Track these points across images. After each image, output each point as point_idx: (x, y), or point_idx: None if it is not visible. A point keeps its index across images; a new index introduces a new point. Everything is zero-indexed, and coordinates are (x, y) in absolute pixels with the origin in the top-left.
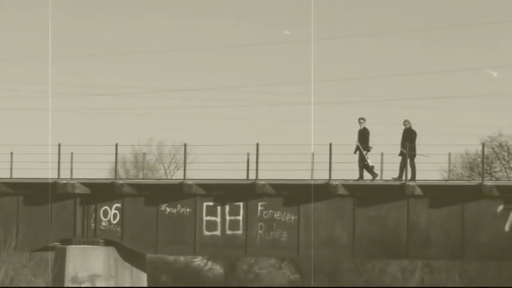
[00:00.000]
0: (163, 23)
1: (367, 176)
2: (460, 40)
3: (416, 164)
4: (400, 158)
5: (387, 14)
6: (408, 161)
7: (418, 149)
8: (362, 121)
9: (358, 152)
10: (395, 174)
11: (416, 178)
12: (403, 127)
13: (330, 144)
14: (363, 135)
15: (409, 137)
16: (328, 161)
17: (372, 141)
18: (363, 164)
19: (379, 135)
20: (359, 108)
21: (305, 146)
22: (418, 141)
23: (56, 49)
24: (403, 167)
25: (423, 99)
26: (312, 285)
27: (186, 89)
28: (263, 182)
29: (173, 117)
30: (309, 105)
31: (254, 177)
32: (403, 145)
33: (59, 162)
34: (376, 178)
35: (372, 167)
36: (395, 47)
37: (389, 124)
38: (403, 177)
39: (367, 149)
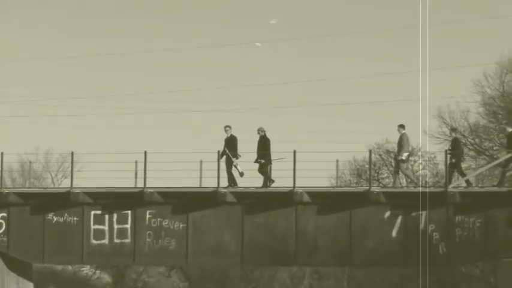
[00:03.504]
0: (48, 30)
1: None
2: (350, 48)
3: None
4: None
5: (262, 23)
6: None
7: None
8: (228, 128)
9: (225, 159)
10: (284, 182)
11: (305, 185)
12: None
13: (218, 152)
14: (231, 143)
15: (262, 144)
16: (217, 168)
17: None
18: (230, 171)
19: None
20: (246, 115)
21: (193, 154)
22: (306, 147)
23: None
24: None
25: (311, 106)
26: None
27: (74, 97)
28: (151, 190)
29: (60, 125)
30: (196, 113)
31: (142, 185)
32: (259, 153)
33: None
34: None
35: (242, 174)
36: (272, 55)
37: (271, 131)
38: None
39: (236, 156)
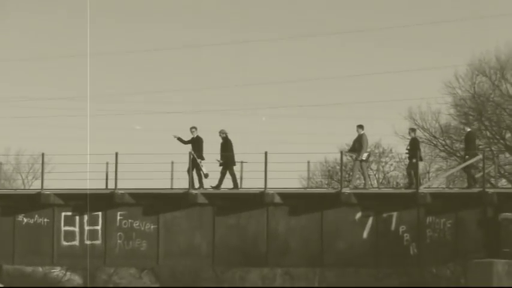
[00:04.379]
0: (18, 30)
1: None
2: (320, 50)
3: (236, 173)
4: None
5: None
6: (228, 170)
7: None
8: (193, 130)
9: (192, 160)
10: (255, 183)
11: (276, 186)
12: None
13: (190, 153)
14: (196, 144)
15: (224, 147)
16: (188, 169)
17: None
18: (198, 172)
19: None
20: (221, 116)
21: (165, 155)
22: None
23: None
24: (223, 176)
25: (282, 107)
26: None
27: (45, 98)
28: (122, 192)
29: (31, 126)
30: (168, 115)
31: (113, 187)
32: (221, 155)
33: None
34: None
35: (206, 175)
36: (243, 56)
37: (242, 133)
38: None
39: (201, 157)
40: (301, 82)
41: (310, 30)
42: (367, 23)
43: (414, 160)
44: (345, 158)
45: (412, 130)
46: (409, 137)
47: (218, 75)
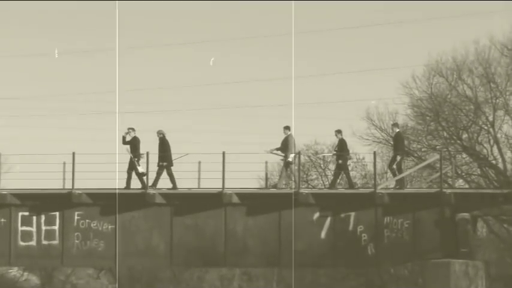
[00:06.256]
0: None
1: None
2: (282, 50)
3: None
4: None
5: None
6: (166, 170)
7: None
8: (130, 130)
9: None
10: (213, 183)
11: (233, 186)
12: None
13: (147, 153)
14: (132, 144)
15: (162, 147)
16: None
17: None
18: (137, 172)
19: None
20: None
21: (122, 155)
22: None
23: None
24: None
25: (239, 107)
26: None
27: (1, 98)
28: (79, 191)
29: None
30: (124, 114)
31: (70, 187)
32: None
33: None
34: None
35: (142, 174)
36: (197, 56)
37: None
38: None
39: (138, 157)
40: (262, 82)
41: (273, 30)
42: (325, 23)
43: (399, 157)
44: (302, 158)
45: (395, 125)
46: (393, 133)
47: (168, 75)
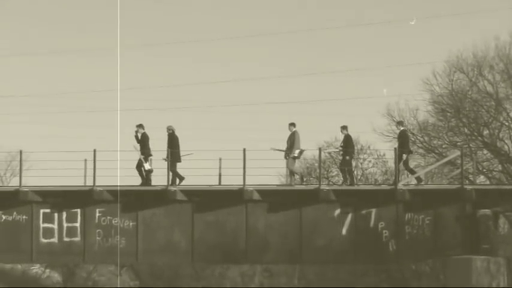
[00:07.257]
0: None
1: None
2: (296, 46)
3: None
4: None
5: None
6: (170, 166)
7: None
8: (139, 128)
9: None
10: (234, 180)
11: (254, 183)
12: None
13: (168, 150)
14: (141, 141)
15: (171, 142)
16: (167, 166)
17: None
18: (140, 169)
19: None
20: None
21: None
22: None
23: None
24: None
25: (260, 104)
26: None
27: (22, 95)
28: (101, 188)
29: (8, 123)
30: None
31: (92, 184)
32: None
33: None
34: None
35: (149, 171)
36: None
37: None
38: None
39: (146, 154)
40: (282, 78)
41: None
42: (346, 20)
43: (404, 156)
44: (323, 155)
45: (399, 123)
46: (398, 131)
47: (196, 71)
